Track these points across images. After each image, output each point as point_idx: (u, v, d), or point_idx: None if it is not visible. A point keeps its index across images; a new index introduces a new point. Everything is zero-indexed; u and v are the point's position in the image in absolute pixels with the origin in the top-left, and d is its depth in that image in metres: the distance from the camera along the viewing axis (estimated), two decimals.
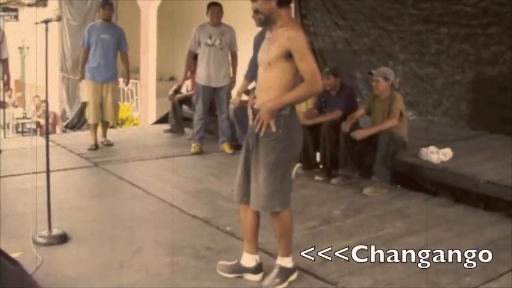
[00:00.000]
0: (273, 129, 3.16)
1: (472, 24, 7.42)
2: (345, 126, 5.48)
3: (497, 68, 7.27)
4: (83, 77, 7.02)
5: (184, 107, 8.02)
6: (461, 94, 7.69)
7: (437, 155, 5.62)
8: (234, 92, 6.84)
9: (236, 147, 6.54)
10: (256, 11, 3.22)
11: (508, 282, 3.46)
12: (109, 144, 7.04)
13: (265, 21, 3.24)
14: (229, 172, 5.28)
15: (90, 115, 7.02)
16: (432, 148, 5.69)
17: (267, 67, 3.22)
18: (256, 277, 3.43)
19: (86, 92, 7.25)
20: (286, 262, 3.38)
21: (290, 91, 3.16)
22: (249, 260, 3.43)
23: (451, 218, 4.71)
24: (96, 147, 6.88)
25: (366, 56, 8.81)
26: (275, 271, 3.37)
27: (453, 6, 7.57)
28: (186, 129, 7.86)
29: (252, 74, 5.85)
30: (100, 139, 7.07)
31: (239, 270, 3.44)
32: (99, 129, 7.26)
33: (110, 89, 6.91)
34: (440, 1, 7.71)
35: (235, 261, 3.47)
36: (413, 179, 5.74)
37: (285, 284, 3.34)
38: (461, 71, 7.66)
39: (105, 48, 6.81)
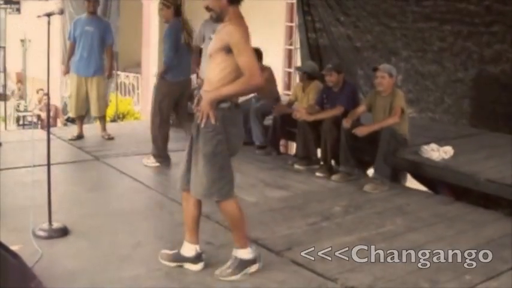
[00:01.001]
0: (212, 121, 3.21)
1: (475, 22, 7.40)
2: (346, 123, 5.47)
3: (500, 66, 7.26)
4: (68, 71, 7.00)
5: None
6: (463, 92, 7.68)
7: (438, 152, 5.61)
8: None
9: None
10: (207, 8, 3.29)
11: (508, 281, 3.46)
12: (110, 138, 7.03)
13: (217, 18, 3.30)
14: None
15: (72, 108, 6.99)
16: (433, 146, 5.68)
17: (209, 59, 3.32)
18: (196, 267, 3.45)
19: (69, 85, 7.18)
20: (242, 253, 3.37)
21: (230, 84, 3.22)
22: (188, 249, 3.46)
23: (451, 215, 4.71)
24: (77, 138, 6.86)
25: (368, 53, 8.78)
26: (229, 262, 3.38)
27: (456, 4, 7.55)
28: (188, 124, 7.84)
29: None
30: (100, 133, 7.07)
31: (179, 259, 3.47)
32: (98, 124, 7.26)
33: (94, 83, 6.82)
34: None
35: (176, 250, 3.50)
36: (414, 176, 5.74)
37: (237, 276, 3.33)
38: (464, 69, 7.64)
39: (89, 41, 6.71)
